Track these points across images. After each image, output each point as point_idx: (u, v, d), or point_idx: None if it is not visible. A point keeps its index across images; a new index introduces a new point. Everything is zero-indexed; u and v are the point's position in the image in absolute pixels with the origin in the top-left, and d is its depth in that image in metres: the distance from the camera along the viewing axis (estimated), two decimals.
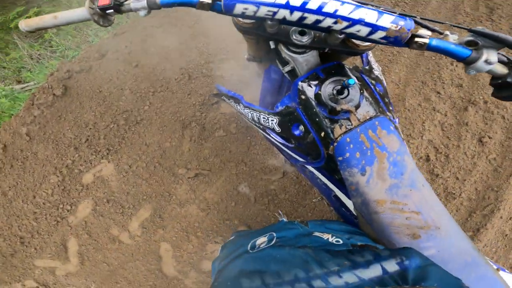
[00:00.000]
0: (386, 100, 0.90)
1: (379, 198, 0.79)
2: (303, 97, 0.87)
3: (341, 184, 0.88)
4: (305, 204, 2.21)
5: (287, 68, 0.98)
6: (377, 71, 1.01)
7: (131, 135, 2.44)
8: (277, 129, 0.96)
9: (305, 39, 0.84)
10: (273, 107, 0.96)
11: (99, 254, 2.33)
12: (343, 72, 0.87)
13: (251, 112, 1.04)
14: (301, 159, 0.99)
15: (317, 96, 0.84)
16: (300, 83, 0.87)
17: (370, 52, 0.99)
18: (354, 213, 0.89)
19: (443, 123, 2.41)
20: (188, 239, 2.26)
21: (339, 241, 0.75)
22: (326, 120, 0.84)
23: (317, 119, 0.85)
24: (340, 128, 0.82)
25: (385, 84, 0.98)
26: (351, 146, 0.80)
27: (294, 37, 0.84)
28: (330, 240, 0.76)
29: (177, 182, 2.31)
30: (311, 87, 0.86)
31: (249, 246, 0.84)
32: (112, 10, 0.76)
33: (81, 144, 2.51)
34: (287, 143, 0.98)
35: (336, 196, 0.96)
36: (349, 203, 0.91)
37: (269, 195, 2.23)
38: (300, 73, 0.95)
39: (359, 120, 0.82)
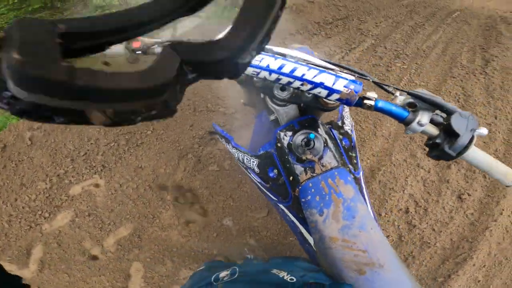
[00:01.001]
0: (351, 154, 1.04)
1: (333, 236, 0.87)
2: (279, 144, 1.01)
3: (305, 222, 0.99)
4: (285, 242, 2.30)
5: (272, 117, 1.11)
6: (348, 126, 1.18)
7: (129, 156, 2.58)
8: (256, 169, 1.10)
9: (284, 94, 0.96)
10: (257, 150, 1.15)
11: (63, 264, 2.26)
12: (314, 125, 1.00)
13: (237, 153, 1.21)
14: (274, 198, 1.14)
15: (289, 145, 0.98)
16: (279, 131, 1.01)
17: (346, 107, 1.20)
18: (314, 248, 0.98)
19: (426, 179, 2.63)
20: (163, 261, 2.27)
21: (293, 279, 0.82)
22: (294, 166, 0.97)
23: (288, 165, 0.98)
24: (306, 175, 0.95)
25: (354, 138, 1.14)
26: (313, 190, 0.92)
27: (276, 92, 0.97)
28: (285, 277, 0.84)
29: (164, 207, 2.40)
30: (286, 136, 1.00)
31: (212, 278, 0.91)
32: (140, 52, 0.98)
33: (78, 157, 2.61)
34: (263, 183, 1.13)
35: (301, 233, 1.07)
36: (310, 239, 1.00)
37: (251, 231, 2.33)
38: (281, 123, 1.07)
39: (321, 169, 0.94)
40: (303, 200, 0.94)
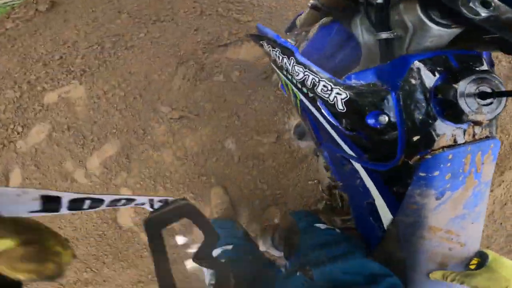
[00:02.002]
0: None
1: (436, 226, 0.70)
2: (413, 82, 0.64)
3: (393, 196, 0.75)
4: (290, 177, 1.98)
5: (385, 35, 0.72)
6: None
7: (115, 60, 2.11)
8: (340, 107, 0.72)
9: (484, 13, 0.56)
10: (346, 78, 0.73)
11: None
12: (484, 71, 0.63)
13: (307, 73, 0.78)
14: (350, 152, 0.79)
15: (440, 88, 0.62)
16: (416, 62, 0.64)
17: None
18: (384, 227, 0.80)
19: None
20: (154, 188, 1.94)
21: None
22: (436, 123, 0.64)
23: (420, 117, 0.64)
24: (447, 140, 0.63)
25: None
26: (448, 164, 0.64)
27: (471, 3, 0.56)
28: None
29: (157, 120, 2.00)
30: (433, 74, 0.63)
31: None
32: None
33: (52, 61, 2.15)
34: (341, 128, 0.75)
35: (371, 204, 0.81)
36: (385, 217, 0.79)
37: (255, 158, 1.97)
38: (409, 47, 0.71)
39: (474, 136, 0.65)
40: (422, 174, 0.65)
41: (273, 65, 0.97)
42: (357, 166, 0.79)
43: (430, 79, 0.63)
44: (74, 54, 2.15)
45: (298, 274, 0.77)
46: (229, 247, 1.05)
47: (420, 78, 0.63)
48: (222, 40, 2.10)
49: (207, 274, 0.96)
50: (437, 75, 0.63)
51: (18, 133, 2.03)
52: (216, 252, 1.01)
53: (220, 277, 0.61)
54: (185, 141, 1.98)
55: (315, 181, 1.85)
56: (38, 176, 1.99)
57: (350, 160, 0.81)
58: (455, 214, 0.70)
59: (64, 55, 2.15)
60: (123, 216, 1.94)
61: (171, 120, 1.99)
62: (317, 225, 1.01)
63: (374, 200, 0.79)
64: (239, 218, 1.96)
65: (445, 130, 0.63)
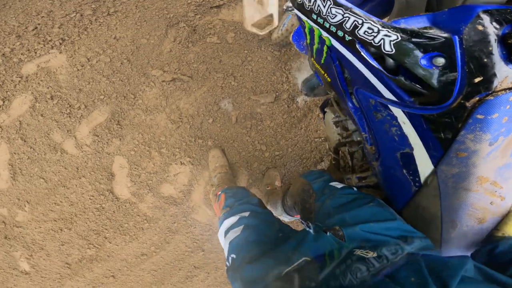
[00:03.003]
0: None
1: (484, 175, 0.68)
2: (479, 27, 0.64)
3: (437, 143, 0.72)
4: (289, 137, 1.96)
5: None
6: None
7: (98, 26, 2.00)
8: (388, 48, 0.70)
9: None
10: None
11: (35, 166, 1.86)
12: None
13: (347, 15, 0.74)
14: (390, 96, 0.75)
15: (507, 35, 0.63)
16: (482, 11, 0.64)
17: None
18: (420, 180, 0.77)
19: None
20: (149, 155, 1.86)
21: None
22: (498, 66, 0.63)
23: (483, 60, 0.64)
24: (508, 82, 0.63)
25: None
26: (508, 107, 0.64)
27: None
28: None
29: (148, 84, 1.91)
30: (501, 23, 0.64)
31: None
32: None
33: (26, 32, 2.00)
34: (383, 70, 0.73)
35: (406, 155, 0.78)
36: (424, 168, 0.76)
37: (253, 118, 1.94)
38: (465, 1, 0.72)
39: None
40: (479, 116, 0.64)
41: (297, 12, 0.90)
42: (397, 111, 0.76)
43: (497, 27, 0.63)
44: (50, 24, 2.01)
45: (328, 234, 0.74)
46: (246, 213, 1.02)
47: (487, 25, 0.63)
48: (215, 1, 2.03)
49: None
50: (505, 24, 0.63)
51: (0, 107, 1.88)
52: (232, 221, 1.00)
53: None
54: (179, 104, 1.91)
55: (321, 138, 1.83)
56: (27, 150, 1.86)
57: (388, 105, 0.77)
58: (503, 162, 0.69)
59: (38, 25, 2.01)
60: (119, 186, 1.84)
61: (163, 83, 1.92)
62: (333, 183, 0.99)
63: (412, 149, 0.76)
64: (238, 182, 1.92)
65: (508, 73, 0.63)
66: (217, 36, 1.98)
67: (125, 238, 1.84)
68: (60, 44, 1.97)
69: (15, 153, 1.85)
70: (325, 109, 1.31)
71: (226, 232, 0.96)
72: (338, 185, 0.97)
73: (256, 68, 1.97)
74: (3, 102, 1.90)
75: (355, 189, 0.93)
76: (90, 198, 1.81)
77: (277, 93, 1.96)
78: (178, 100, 1.91)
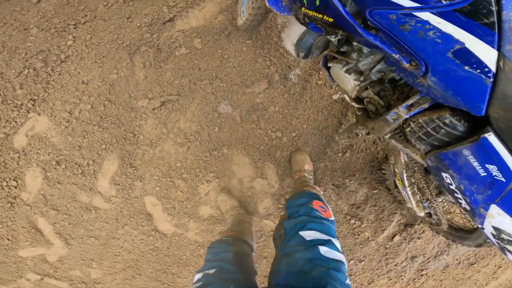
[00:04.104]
0: None
1: None
2: None
3: (485, 28, 0.63)
4: (298, 115, 1.90)
5: None
6: None
7: (58, 76, 1.82)
8: None
9: None
10: None
11: (80, 229, 1.97)
12: None
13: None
14: (413, 3, 0.67)
15: None
16: None
17: None
18: (491, 68, 0.67)
19: None
20: (174, 185, 1.90)
21: None
22: None
23: None
24: None
25: None
26: None
27: None
28: None
29: (140, 117, 1.84)
30: None
31: None
32: None
33: None
34: None
35: (461, 51, 0.69)
36: (488, 56, 0.66)
37: (257, 110, 1.87)
38: None
39: None
40: None
41: None
42: (426, 15, 0.70)
43: None
44: (10, 87, 1.85)
45: None
46: (212, 270, 1.07)
47: None
48: (164, 16, 1.81)
49: None
50: None
51: (15, 187, 1.92)
52: (197, 277, 1.07)
53: None
54: (179, 125, 1.85)
55: (338, 94, 1.75)
56: (64, 217, 1.95)
57: (413, 13, 0.71)
58: None
59: (0, 92, 1.86)
60: (160, 222, 1.95)
61: (155, 111, 1.83)
62: (304, 232, 1.00)
63: (463, 43, 0.69)
64: (269, 175, 1.95)
65: None
66: (184, 47, 1.80)
67: (189, 269, 2.02)
68: (33, 105, 1.85)
69: (55, 223, 1.95)
70: (329, 65, 1.23)
71: (193, 285, 1.06)
72: (308, 236, 1.00)
73: (237, 63, 1.83)
74: (17, 182, 1.92)
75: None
76: (141, 242, 1.95)
77: (268, 78, 1.84)
78: (176, 122, 1.85)
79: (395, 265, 2.07)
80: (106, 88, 1.82)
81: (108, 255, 1.99)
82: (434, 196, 1.36)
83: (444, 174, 0.97)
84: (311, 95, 1.86)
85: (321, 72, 1.81)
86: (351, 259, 2.04)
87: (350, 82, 1.14)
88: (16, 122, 1.86)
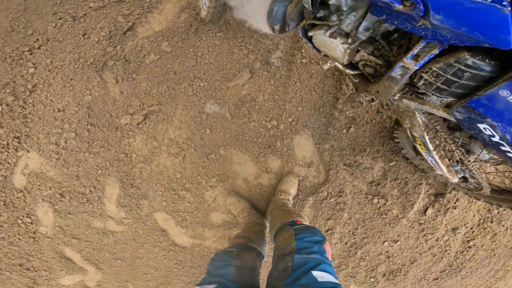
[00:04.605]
0: None
1: None
2: None
3: None
4: (290, 98, 1.74)
5: None
6: None
7: (33, 108, 1.73)
8: None
9: None
10: None
11: (104, 253, 1.98)
12: None
13: None
14: None
15: None
16: None
17: None
18: None
19: None
20: (179, 197, 1.83)
21: None
22: None
23: None
24: None
25: None
26: None
27: None
28: None
29: (127, 135, 1.74)
30: None
31: None
32: None
33: None
34: None
35: None
36: None
37: (245, 102, 1.72)
38: None
39: None
40: None
41: None
42: None
43: None
44: None
45: None
46: (212, 286, 1.01)
47: None
48: (122, 26, 1.66)
49: None
50: None
51: (31, 223, 1.92)
52: None
53: None
54: (169, 135, 1.74)
55: (329, 63, 1.55)
56: (86, 244, 1.95)
57: None
58: None
59: None
60: (177, 236, 1.91)
61: (140, 125, 1.72)
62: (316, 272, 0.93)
63: None
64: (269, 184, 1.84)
65: None
66: (153, 53, 1.64)
67: None
68: (19, 143, 1.79)
69: (81, 251, 1.96)
70: (309, 34, 1.10)
71: None
72: (320, 277, 0.92)
73: (213, 58, 1.67)
74: (30, 218, 1.91)
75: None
76: (164, 258, 1.93)
77: (249, 67, 1.67)
78: (165, 132, 1.73)
79: (436, 240, 1.93)
80: (84, 112, 1.71)
81: (138, 275, 2.00)
82: (466, 156, 1.17)
83: (481, 126, 0.84)
84: (299, 76, 1.68)
85: (303, 50, 1.63)
86: (384, 241, 1.92)
87: (338, 48, 1.02)
88: (8, 163, 1.81)
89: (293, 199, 1.79)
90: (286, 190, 1.73)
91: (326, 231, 1.87)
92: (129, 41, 1.64)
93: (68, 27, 1.65)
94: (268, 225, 1.69)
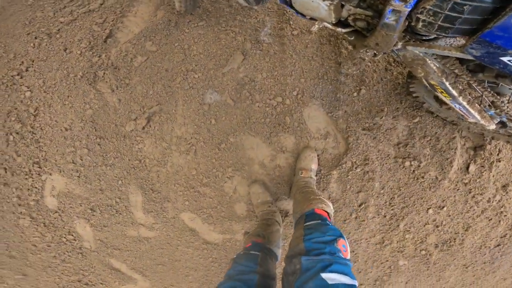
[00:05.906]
0: None
1: None
2: None
3: None
4: (290, 71, 1.62)
5: None
6: None
7: (42, 132, 1.76)
8: None
9: None
10: None
11: (145, 260, 2.02)
12: None
13: None
14: None
15: None
16: None
17: None
18: None
19: None
20: (200, 194, 1.80)
21: None
22: None
23: None
24: None
25: None
26: None
27: None
28: None
29: (136, 141, 1.72)
30: None
31: None
32: None
33: (3, 177, 1.87)
34: None
35: None
36: None
37: (245, 85, 1.62)
38: None
39: None
40: None
41: None
42: None
43: None
44: (8, 158, 1.83)
45: None
46: None
47: None
48: (100, 35, 1.63)
49: None
50: None
51: (74, 240, 2.00)
52: None
53: None
54: (176, 133, 1.70)
55: (316, 25, 1.43)
56: (128, 254, 2.00)
57: None
58: None
59: (1, 164, 1.86)
60: (206, 234, 1.89)
61: (145, 129, 1.69)
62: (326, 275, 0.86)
63: None
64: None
65: None
66: (139, 55, 1.60)
67: None
68: (39, 167, 1.84)
69: (125, 261, 2.02)
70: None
71: None
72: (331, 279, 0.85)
73: (201, 48, 1.59)
74: (72, 235, 1.98)
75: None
76: (200, 257, 1.93)
77: (240, 49, 1.58)
78: (171, 131, 1.69)
79: (488, 202, 1.73)
80: (90, 126, 1.71)
81: (181, 278, 2.03)
82: (497, 97, 1.03)
83: (505, 59, 0.75)
84: (294, 48, 1.57)
85: (291, 22, 1.51)
86: (428, 208, 1.75)
87: (320, 6, 0.94)
88: (36, 187, 1.88)
89: (316, 176, 1.67)
90: (306, 166, 1.62)
91: (359, 205, 1.74)
92: (112, 48, 1.60)
93: (46, 45, 1.64)
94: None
